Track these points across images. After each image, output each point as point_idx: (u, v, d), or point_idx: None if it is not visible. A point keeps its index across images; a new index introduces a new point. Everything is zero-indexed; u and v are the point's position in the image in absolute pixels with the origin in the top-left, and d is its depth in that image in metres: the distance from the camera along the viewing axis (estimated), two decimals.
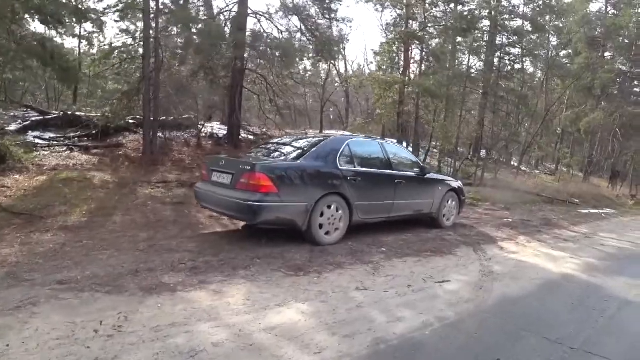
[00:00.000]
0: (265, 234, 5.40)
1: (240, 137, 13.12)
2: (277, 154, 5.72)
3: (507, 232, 7.42)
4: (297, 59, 12.37)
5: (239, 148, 12.60)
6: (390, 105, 12.36)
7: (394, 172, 6.20)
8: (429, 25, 12.03)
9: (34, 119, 10.00)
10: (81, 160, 8.78)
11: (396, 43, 12.39)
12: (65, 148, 9.21)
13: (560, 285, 4.60)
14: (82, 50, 10.28)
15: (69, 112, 10.34)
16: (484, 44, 14.88)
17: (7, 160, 7.48)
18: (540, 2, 16.05)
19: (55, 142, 9.35)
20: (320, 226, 5.29)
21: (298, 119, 14.45)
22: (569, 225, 8.90)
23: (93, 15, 8.02)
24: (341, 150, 5.60)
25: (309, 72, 16.20)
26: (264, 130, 14.24)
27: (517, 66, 16.53)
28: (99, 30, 11.15)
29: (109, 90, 10.98)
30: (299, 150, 5.58)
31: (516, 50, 15.99)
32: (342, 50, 14.60)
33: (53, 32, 7.13)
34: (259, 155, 5.91)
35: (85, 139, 10.13)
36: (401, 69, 12.73)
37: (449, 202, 7.26)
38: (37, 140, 9.26)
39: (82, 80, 7.77)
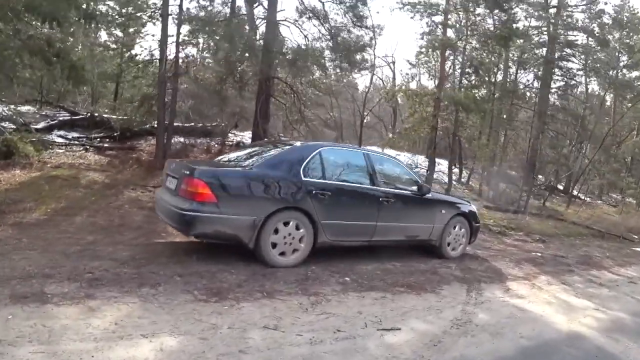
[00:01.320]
0: (208, 249, 4.62)
1: None
2: (238, 160, 4.94)
3: (527, 270, 6.02)
4: (324, 69, 11.64)
5: None
6: (421, 120, 11.17)
7: (379, 188, 5.16)
8: (468, 34, 10.76)
9: (61, 118, 10.12)
10: (91, 160, 8.63)
11: (430, 52, 11.25)
12: (81, 148, 9.15)
13: (557, 350, 3.33)
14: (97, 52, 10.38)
15: (96, 114, 10.37)
16: (536, 57, 13.19)
17: (13, 155, 7.42)
18: (606, 17, 14.06)
19: (74, 142, 9.34)
20: (274, 245, 4.42)
21: (328, 132, 13.65)
22: (613, 265, 7.18)
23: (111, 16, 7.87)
24: (308, 160, 4.69)
25: (342, 83, 15.35)
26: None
27: (575, 84, 14.57)
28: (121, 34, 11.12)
29: (130, 93, 10.95)
30: (258, 157, 4.78)
31: (575, 66, 14.11)
32: (373, 60, 13.69)
33: (63, 33, 6.92)
34: (223, 160, 5.18)
35: (107, 140, 10.09)
36: (437, 80, 11.52)
37: (456, 229, 6.03)
38: (58, 139, 9.30)
39: (91, 81, 7.65)
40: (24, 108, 10.08)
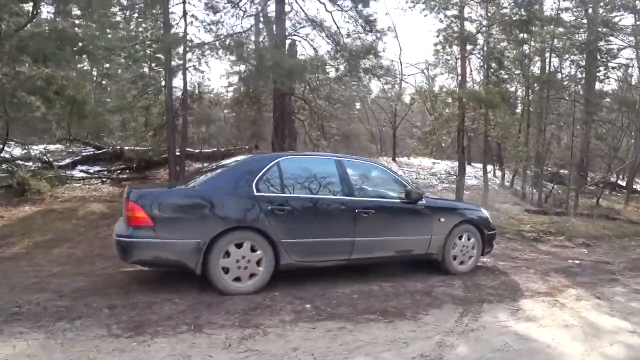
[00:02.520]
0: (175, 277, 4.14)
1: None
2: (194, 179, 4.45)
3: (554, 283, 4.92)
4: (338, 82, 11.07)
5: None
6: (442, 121, 10.16)
7: (355, 198, 4.42)
8: (487, 25, 9.68)
9: (85, 153, 10.38)
10: (104, 192, 8.65)
11: (447, 49, 10.28)
12: (99, 181, 9.24)
13: None
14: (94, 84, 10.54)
15: (117, 147, 10.54)
16: (574, 43, 11.64)
17: (25, 192, 7.56)
18: None
19: (93, 175, 9.48)
20: (226, 270, 3.84)
21: (353, 145, 12.98)
22: None
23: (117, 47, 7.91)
24: (262, 172, 4.10)
25: (361, 93, 14.64)
26: None
27: (623, 67, 12.72)
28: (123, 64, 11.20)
29: (141, 123, 11.06)
30: (210, 174, 4.26)
31: (622, 48, 12.32)
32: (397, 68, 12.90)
33: (60, 70, 7.03)
34: (189, 181, 4.71)
35: (127, 171, 10.17)
36: (459, 78, 10.48)
37: (463, 239, 5.08)
38: (79, 174, 9.48)
39: (95, 114, 7.71)
40: (54, 147, 10.49)
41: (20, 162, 8.49)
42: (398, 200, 4.73)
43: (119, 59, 9.39)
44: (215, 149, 11.97)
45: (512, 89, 10.38)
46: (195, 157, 11.04)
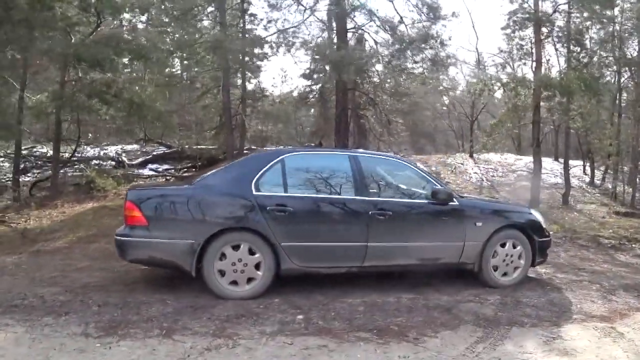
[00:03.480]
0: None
1: None
2: (197, 178, 4.29)
3: (619, 304, 3.94)
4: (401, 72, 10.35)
5: None
6: (509, 112, 8.92)
7: (369, 199, 3.93)
8: (565, 2, 8.23)
9: (155, 153, 11.03)
10: None
11: (516, 32, 8.99)
12: (163, 179, 9.73)
13: None
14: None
15: (186, 146, 11.05)
16: None
17: (92, 190, 8.17)
18: None
19: (160, 173, 10.02)
20: (222, 273, 3.62)
21: (438, 141, 12.13)
22: None
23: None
24: (264, 170, 3.81)
25: (430, 85, 13.60)
26: None
27: None
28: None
29: (200, 123, 11.38)
30: (212, 172, 4.07)
31: None
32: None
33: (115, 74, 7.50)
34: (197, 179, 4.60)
35: (193, 169, 10.59)
36: (533, 64, 9.08)
37: (507, 247, 4.29)
38: (148, 172, 10.09)
39: (157, 114, 8.10)
40: (130, 147, 11.32)
41: (96, 162, 9.27)
42: (423, 201, 4.12)
43: (176, 62, 9.80)
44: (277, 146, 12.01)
45: (599, 74, 8.71)
46: None
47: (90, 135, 10.35)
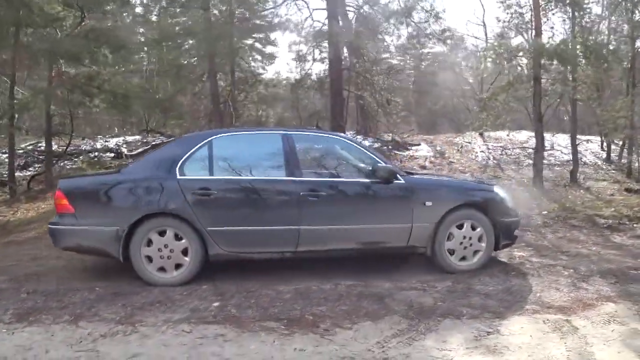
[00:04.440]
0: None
1: None
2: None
3: (588, 292, 3.47)
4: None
5: None
6: (504, 85, 8.19)
7: (301, 179, 3.65)
8: None
9: (154, 143, 11.05)
10: None
11: None
12: None
13: None
14: None
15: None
16: None
17: None
18: None
19: None
20: (150, 259, 3.48)
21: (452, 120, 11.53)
22: None
23: None
24: (190, 153, 3.61)
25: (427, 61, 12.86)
26: (393, 136, 11.94)
27: None
28: None
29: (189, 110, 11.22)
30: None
31: None
32: None
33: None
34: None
35: None
36: (532, 32, 8.28)
37: (464, 229, 3.89)
38: None
39: (144, 104, 8.11)
40: (132, 138, 11.41)
41: (95, 154, 9.40)
42: (363, 180, 3.78)
43: (164, 51, 9.69)
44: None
45: (607, 41, 7.86)
46: None
47: (88, 128, 10.52)
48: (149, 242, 3.46)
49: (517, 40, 11.33)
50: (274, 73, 11.12)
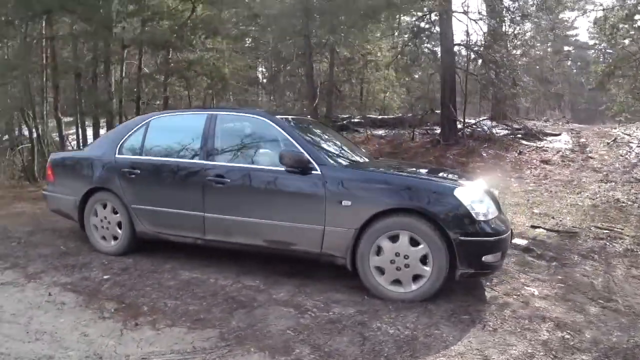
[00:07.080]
0: None
1: (459, 132, 9.53)
2: None
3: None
4: None
5: (452, 146, 9.30)
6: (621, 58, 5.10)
7: (205, 162, 3.38)
8: None
9: None
10: None
11: None
12: None
13: None
14: None
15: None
16: None
17: None
18: None
19: None
20: (96, 228, 3.86)
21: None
22: None
23: None
24: (130, 133, 3.81)
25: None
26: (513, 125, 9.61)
27: None
28: None
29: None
30: None
31: None
32: None
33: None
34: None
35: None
36: None
37: (399, 242, 2.86)
38: None
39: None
40: None
41: None
42: (275, 169, 3.16)
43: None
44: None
45: None
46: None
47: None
48: (95, 213, 3.82)
49: None
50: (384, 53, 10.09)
